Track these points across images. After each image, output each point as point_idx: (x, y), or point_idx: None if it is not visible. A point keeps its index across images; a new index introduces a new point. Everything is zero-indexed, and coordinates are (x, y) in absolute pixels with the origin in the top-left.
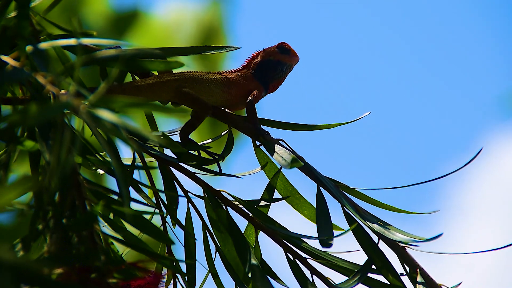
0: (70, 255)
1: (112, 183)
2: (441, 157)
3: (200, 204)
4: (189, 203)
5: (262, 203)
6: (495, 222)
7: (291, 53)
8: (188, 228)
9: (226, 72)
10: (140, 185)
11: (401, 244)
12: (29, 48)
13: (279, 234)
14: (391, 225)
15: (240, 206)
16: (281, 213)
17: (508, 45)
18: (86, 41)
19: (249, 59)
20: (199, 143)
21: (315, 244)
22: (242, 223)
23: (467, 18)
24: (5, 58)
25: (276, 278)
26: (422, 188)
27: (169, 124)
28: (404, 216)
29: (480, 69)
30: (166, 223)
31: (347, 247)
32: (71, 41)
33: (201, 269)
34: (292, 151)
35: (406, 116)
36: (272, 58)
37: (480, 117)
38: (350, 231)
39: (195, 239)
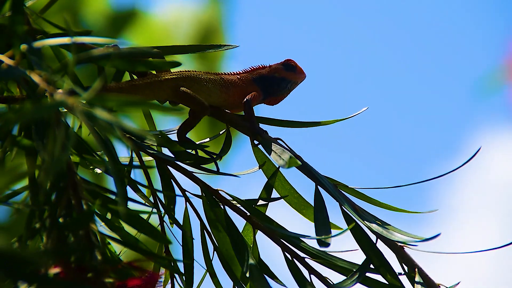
0: (66, 253)
1: (110, 182)
2: (432, 153)
3: (198, 203)
4: (187, 202)
5: (260, 202)
6: (492, 221)
7: (296, 70)
8: (185, 228)
9: (225, 74)
10: (137, 185)
11: (400, 244)
12: (24, 46)
13: (277, 233)
14: (390, 225)
15: (238, 205)
16: (279, 212)
17: (484, 30)
18: (83, 39)
19: (253, 67)
20: (197, 142)
21: (313, 243)
22: (240, 222)
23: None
24: (0, 56)
25: (274, 277)
26: (418, 187)
27: (167, 123)
28: (402, 215)
29: (456, 57)
30: (164, 223)
31: (345, 247)
32: (67, 40)
33: (199, 269)
34: (290, 150)
35: (398, 113)
36: (277, 75)
37: (467, 109)
38: (348, 231)
39: (193, 239)
